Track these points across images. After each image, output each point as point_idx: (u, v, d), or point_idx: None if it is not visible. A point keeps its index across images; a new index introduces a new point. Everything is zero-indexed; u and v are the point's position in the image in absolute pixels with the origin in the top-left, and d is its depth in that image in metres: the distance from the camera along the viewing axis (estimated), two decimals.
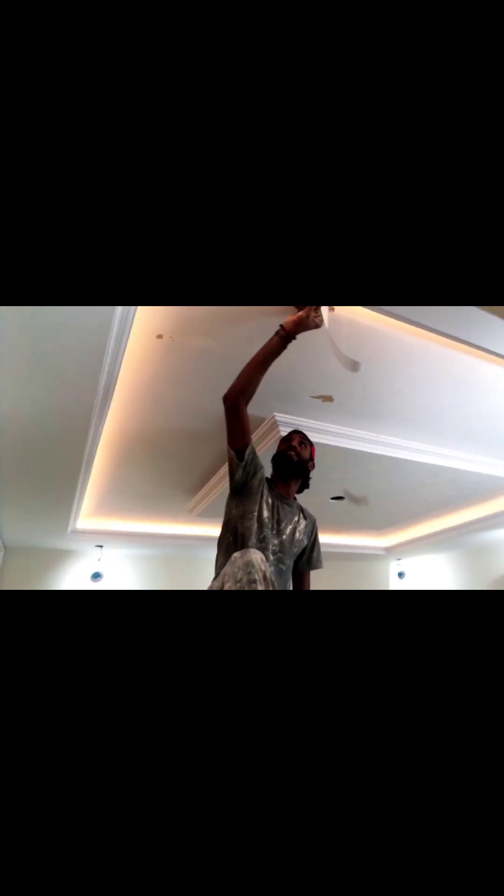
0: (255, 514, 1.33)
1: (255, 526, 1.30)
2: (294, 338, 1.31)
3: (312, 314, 1.31)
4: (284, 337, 1.30)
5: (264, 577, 1.03)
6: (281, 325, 1.30)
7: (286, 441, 1.52)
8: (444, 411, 1.86)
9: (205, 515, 2.79)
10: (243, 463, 1.31)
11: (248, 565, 1.04)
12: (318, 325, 1.33)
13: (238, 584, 1.02)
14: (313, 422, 1.83)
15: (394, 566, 4.78)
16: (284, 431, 1.74)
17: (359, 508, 2.81)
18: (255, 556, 1.08)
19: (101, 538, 3.24)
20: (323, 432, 1.82)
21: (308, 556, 1.47)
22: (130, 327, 1.31)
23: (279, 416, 1.76)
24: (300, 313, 1.31)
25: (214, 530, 3.36)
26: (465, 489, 2.52)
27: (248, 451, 1.31)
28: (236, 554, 1.12)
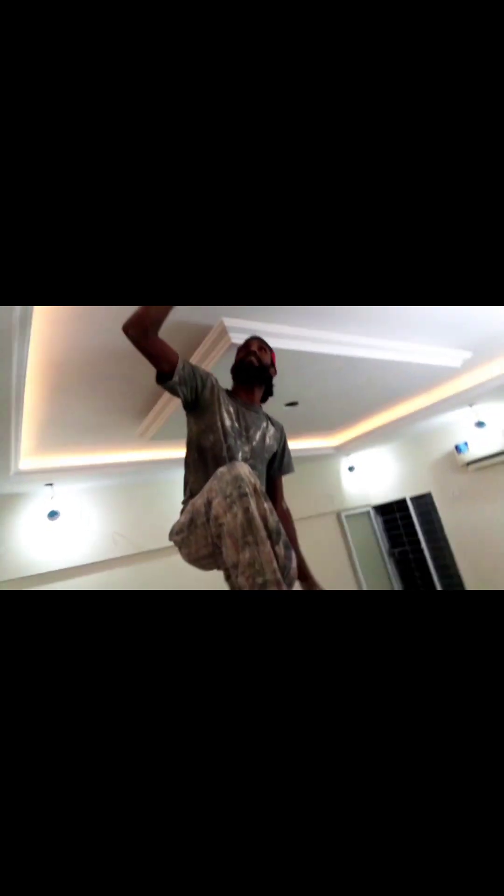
0: (218, 424, 1.25)
1: (219, 437, 1.23)
2: None
3: None
4: None
5: (255, 489, 0.99)
6: None
7: (244, 349, 1.42)
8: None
9: (159, 438, 2.68)
10: (176, 379, 1.18)
11: (237, 479, 0.99)
12: None
13: (228, 500, 0.97)
14: (263, 324, 1.70)
15: (344, 461, 5.07)
16: (235, 338, 1.61)
17: (309, 412, 2.83)
18: (243, 469, 1.03)
19: (50, 476, 3.06)
20: (275, 336, 1.70)
21: (279, 462, 1.46)
22: None
23: (228, 322, 1.62)
24: None
25: (171, 452, 3.30)
26: (412, 381, 2.58)
27: (178, 368, 1.18)
28: (222, 469, 1.05)
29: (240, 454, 1.25)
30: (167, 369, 1.17)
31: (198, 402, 1.26)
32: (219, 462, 1.18)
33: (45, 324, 1.51)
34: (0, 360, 1.47)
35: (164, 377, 1.18)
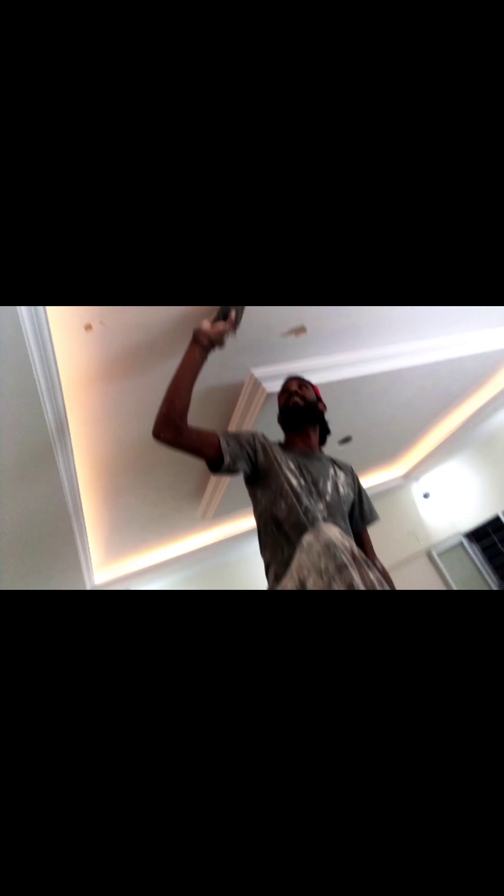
0: (285, 487, 1.08)
1: (292, 501, 1.06)
2: (213, 348, 1.13)
3: (232, 325, 1.14)
4: (208, 348, 1.10)
5: (353, 556, 0.82)
6: (200, 332, 1.09)
7: (284, 393, 1.31)
8: None
9: (220, 514, 2.58)
10: (228, 462, 1.06)
11: (330, 548, 0.83)
12: (224, 344, 1.16)
13: (326, 577, 0.79)
14: (293, 364, 1.63)
15: (415, 489, 4.67)
16: (270, 387, 1.53)
17: (365, 443, 2.65)
18: (332, 532, 0.86)
19: (125, 582, 3.00)
20: (309, 372, 1.61)
21: (360, 511, 1.24)
22: (52, 350, 1.08)
23: (257, 372, 1.55)
24: (223, 325, 1.12)
25: (236, 525, 3.17)
26: (467, 377, 2.36)
27: (223, 449, 1.06)
28: (307, 538, 0.89)
29: (318, 514, 1.06)
30: (214, 455, 1.07)
31: (257, 471, 1.13)
32: (300, 530, 1.01)
33: (83, 431, 1.51)
34: (50, 479, 1.46)
35: (215, 464, 1.08)
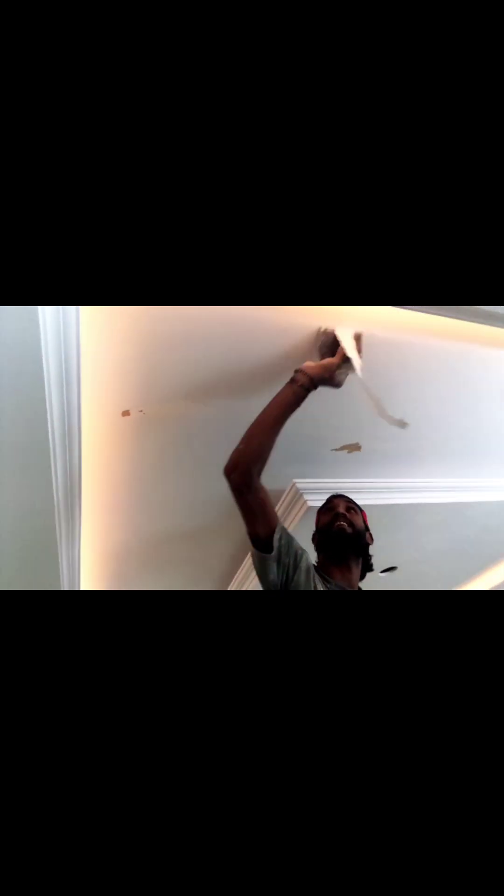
0: None
1: None
2: (316, 387, 0.97)
3: (342, 362, 0.98)
4: (307, 387, 0.95)
5: None
6: (299, 371, 0.96)
7: (329, 511, 1.12)
8: (501, 430, 1.49)
9: None
10: (274, 554, 0.89)
11: None
12: (341, 382, 1.01)
13: None
14: (342, 481, 1.45)
15: None
16: (312, 502, 1.34)
17: (412, 575, 2.31)
18: None
19: None
20: (359, 491, 1.42)
21: None
22: (79, 413, 0.98)
23: (300, 483, 1.38)
24: (329, 360, 0.98)
25: None
26: None
27: (276, 538, 0.90)
28: None
29: None
30: (265, 535, 0.90)
31: (287, 589, 0.92)
32: None
33: (96, 512, 1.37)
34: (48, 561, 1.29)
35: (263, 545, 0.91)
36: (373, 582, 1.93)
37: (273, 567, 0.90)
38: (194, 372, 1.04)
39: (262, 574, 0.93)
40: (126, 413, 1.05)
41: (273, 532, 0.91)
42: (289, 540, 0.94)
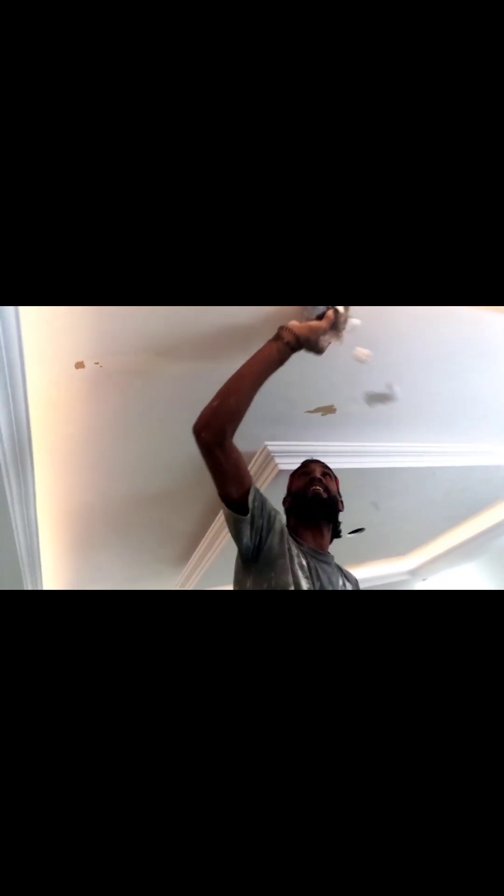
0: (293, 588, 0.85)
1: None
2: (300, 348, 0.90)
3: (331, 325, 0.92)
4: (293, 345, 0.88)
5: None
6: (284, 328, 0.89)
7: (304, 475, 1.08)
8: (474, 396, 1.48)
9: (202, 587, 2.27)
10: (249, 517, 0.85)
11: None
12: (324, 348, 0.94)
13: None
14: (314, 443, 1.41)
15: (420, 587, 4.28)
16: (284, 465, 1.30)
17: (378, 536, 2.37)
18: None
19: None
20: (329, 454, 1.39)
21: None
22: (22, 361, 0.87)
23: (272, 445, 1.33)
24: (317, 323, 0.91)
25: None
26: (502, 486, 2.12)
27: (250, 499, 0.86)
28: None
29: None
30: (237, 496, 0.85)
31: (260, 553, 0.89)
32: None
33: (53, 473, 1.28)
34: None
35: (234, 505, 0.86)
36: (340, 543, 1.97)
37: (246, 530, 0.86)
38: (158, 324, 0.94)
39: (235, 536, 0.89)
40: (80, 365, 0.95)
41: (247, 493, 0.86)
42: (262, 501, 0.91)
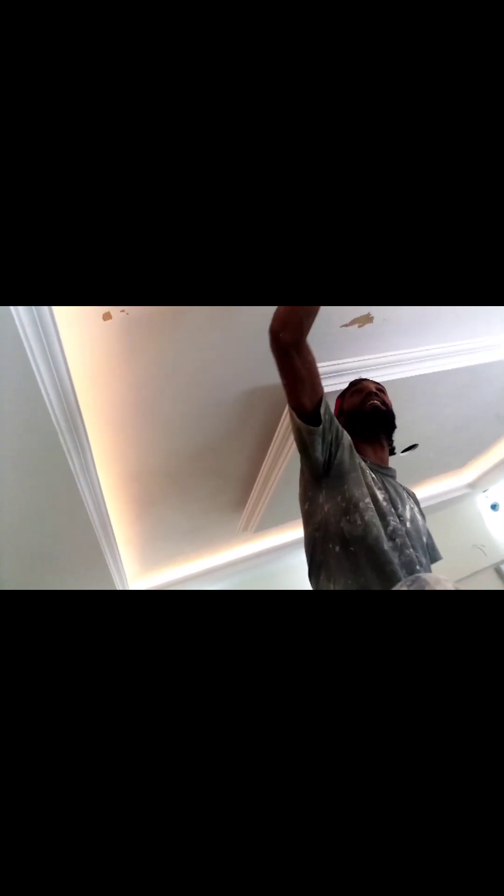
0: (367, 500, 0.84)
1: (372, 518, 0.82)
2: None
3: None
4: None
5: None
6: None
7: (358, 392, 1.06)
8: None
9: (263, 527, 2.34)
10: (321, 428, 0.82)
11: None
12: None
13: None
14: (355, 359, 1.35)
15: (481, 500, 4.19)
16: (328, 387, 1.27)
17: (432, 451, 2.29)
18: (446, 588, 0.65)
19: None
20: (372, 368, 1.33)
21: (429, 550, 0.96)
22: (62, 348, 0.88)
23: None
24: None
25: (281, 537, 2.92)
26: None
27: (322, 410, 0.83)
28: (408, 586, 0.67)
29: (413, 553, 0.82)
30: (310, 406, 0.82)
31: (331, 467, 0.87)
32: (381, 560, 0.78)
33: (107, 439, 1.32)
34: (67, 488, 1.28)
35: (311, 417, 0.83)
36: (395, 461, 1.94)
37: (318, 443, 0.84)
38: None
39: (306, 450, 0.86)
40: (107, 316, 0.94)
41: (320, 403, 0.83)
42: (331, 413, 0.88)
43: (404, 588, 0.69)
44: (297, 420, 0.85)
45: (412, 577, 0.72)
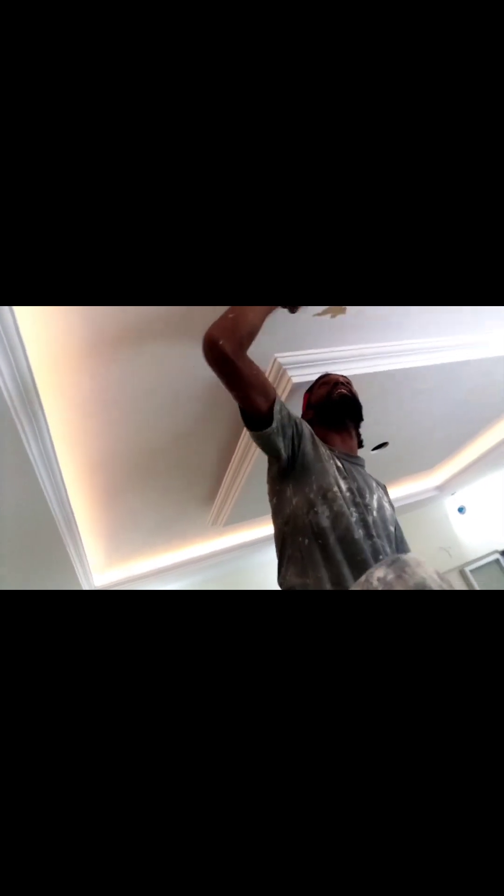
0: (334, 489, 0.83)
1: (340, 507, 0.82)
2: None
3: None
4: None
5: None
6: None
7: (325, 384, 1.06)
8: None
9: (233, 521, 2.31)
10: (275, 426, 0.81)
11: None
12: None
13: None
14: (325, 351, 1.34)
15: (449, 503, 4.29)
16: (296, 376, 1.25)
17: (401, 451, 2.32)
18: (427, 571, 0.64)
19: (128, 586, 2.78)
20: (343, 360, 1.32)
21: (396, 541, 0.96)
22: (16, 324, 0.83)
23: (282, 357, 1.27)
24: None
25: (251, 533, 2.90)
26: None
27: (277, 409, 0.82)
28: (382, 574, 0.66)
29: (384, 539, 0.83)
30: (265, 408, 0.80)
31: (294, 462, 0.86)
32: (352, 550, 0.78)
33: (69, 417, 1.27)
34: (23, 472, 1.21)
35: (262, 421, 0.81)
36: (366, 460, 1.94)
37: (279, 441, 0.83)
38: None
39: (269, 450, 0.86)
40: None
41: (273, 403, 0.82)
42: (286, 409, 0.87)
43: (384, 567, 0.67)
44: (250, 430, 0.84)
45: (393, 557, 0.71)
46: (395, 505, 3.30)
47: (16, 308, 0.86)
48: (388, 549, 0.83)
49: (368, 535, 0.81)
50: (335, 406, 0.99)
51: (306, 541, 0.81)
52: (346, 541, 0.79)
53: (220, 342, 0.74)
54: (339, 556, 0.77)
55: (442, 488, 3.71)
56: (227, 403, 1.43)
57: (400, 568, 0.66)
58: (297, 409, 1.14)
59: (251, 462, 1.68)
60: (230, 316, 0.77)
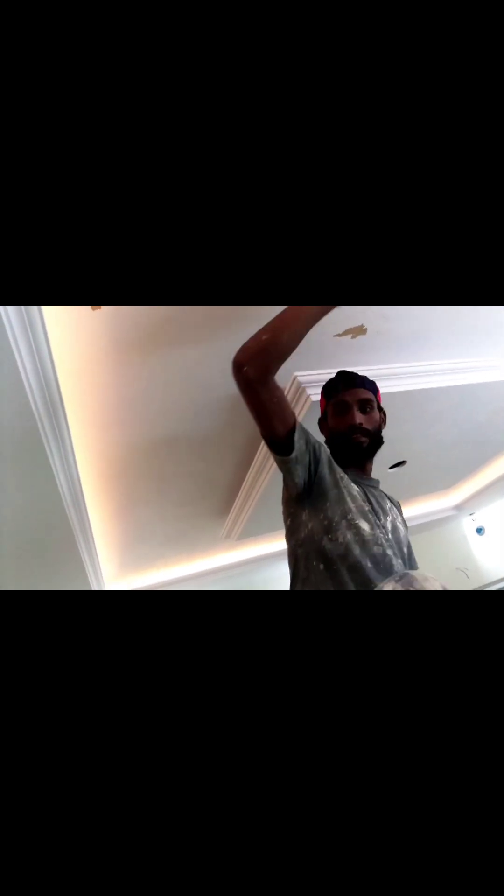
0: (351, 516, 0.84)
1: (358, 538, 0.82)
2: None
3: None
4: None
5: None
6: None
7: (341, 412, 1.04)
8: None
9: (247, 535, 2.31)
10: (295, 455, 0.81)
11: None
12: None
13: None
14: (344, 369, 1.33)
15: (467, 523, 4.19)
16: (316, 396, 1.25)
17: (419, 470, 2.29)
18: (434, 587, 0.66)
19: None
20: None
21: (409, 561, 0.96)
22: (45, 331, 0.86)
23: (302, 376, 1.28)
24: None
25: (265, 547, 2.88)
26: None
27: (296, 437, 0.81)
28: (391, 588, 0.68)
29: (397, 562, 0.82)
30: (284, 434, 0.81)
31: (311, 488, 0.86)
32: (365, 583, 0.77)
33: (87, 427, 1.29)
34: (43, 474, 1.24)
35: (282, 446, 0.81)
36: (382, 478, 1.92)
37: (297, 469, 0.83)
38: None
39: (287, 475, 0.87)
40: (96, 307, 0.92)
41: (293, 430, 0.82)
42: (306, 435, 0.87)
43: (392, 582, 0.67)
44: (273, 454, 0.84)
45: (401, 573, 0.70)
46: (412, 524, 3.23)
47: (45, 315, 0.89)
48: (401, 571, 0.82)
49: (382, 557, 0.81)
50: (350, 450, 0.98)
51: (320, 565, 0.82)
52: (358, 570, 0.79)
53: (245, 368, 0.75)
54: (350, 583, 0.78)
55: (460, 508, 3.63)
56: (245, 415, 1.44)
57: (408, 583, 0.66)
58: (316, 416, 1.13)
59: (268, 476, 1.68)
60: (263, 338, 0.76)
